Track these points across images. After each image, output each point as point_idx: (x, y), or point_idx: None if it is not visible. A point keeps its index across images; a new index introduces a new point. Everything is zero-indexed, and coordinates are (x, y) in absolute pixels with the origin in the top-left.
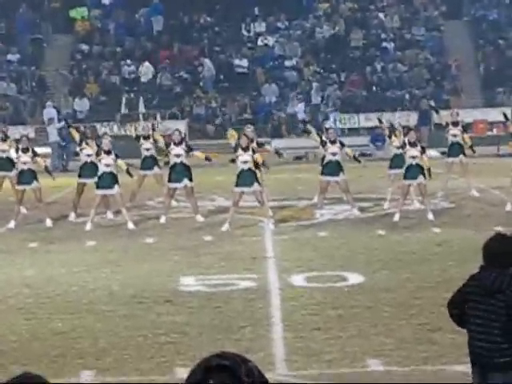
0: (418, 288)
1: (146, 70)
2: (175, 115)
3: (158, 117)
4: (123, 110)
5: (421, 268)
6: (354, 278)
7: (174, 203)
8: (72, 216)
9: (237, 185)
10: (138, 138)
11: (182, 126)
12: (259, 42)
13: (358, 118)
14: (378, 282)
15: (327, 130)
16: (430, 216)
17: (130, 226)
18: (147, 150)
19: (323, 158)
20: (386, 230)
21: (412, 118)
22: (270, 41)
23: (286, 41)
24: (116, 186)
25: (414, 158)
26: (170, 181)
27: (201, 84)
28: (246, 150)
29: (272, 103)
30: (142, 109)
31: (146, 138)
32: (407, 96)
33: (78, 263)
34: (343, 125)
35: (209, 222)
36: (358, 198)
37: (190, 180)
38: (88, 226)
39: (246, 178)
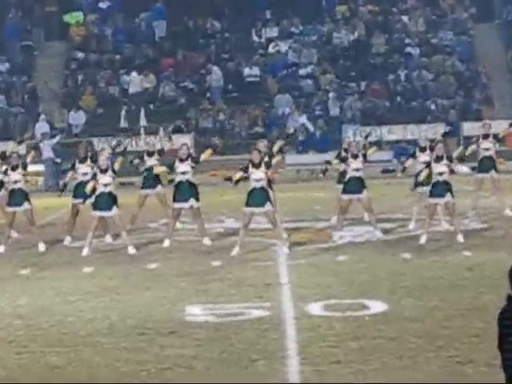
0: (447, 317)
1: (148, 79)
2: (180, 129)
3: (161, 130)
4: (122, 124)
5: (450, 295)
6: (377, 306)
7: (178, 225)
8: (67, 240)
9: (247, 205)
10: (141, 154)
11: (187, 140)
12: (271, 49)
13: (380, 130)
14: (403, 311)
15: (349, 144)
16: (460, 238)
17: (131, 250)
18: (150, 168)
19: (342, 174)
20: (411, 253)
21: (439, 131)
22: (283, 47)
23: (300, 47)
24: (115, 208)
25: (441, 174)
26: (174, 201)
27: (207, 94)
28: (258, 166)
29: (285, 115)
30: (143, 122)
31: (150, 154)
32: (434, 106)
33: (74, 291)
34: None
35: (217, 245)
36: (380, 218)
37: (197, 200)
38: (85, 251)
39: (258, 197)
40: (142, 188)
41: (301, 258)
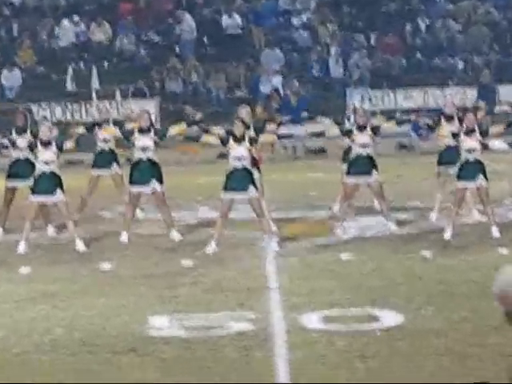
0: (477, 331)
1: (101, 30)
2: (141, 92)
3: (118, 94)
4: (69, 86)
5: (481, 304)
6: (390, 318)
7: (138, 214)
8: None
9: (226, 189)
10: (92, 125)
11: (150, 106)
12: None
13: (395, 95)
14: (423, 323)
15: (355, 111)
16: (495, 231)
17: (79, 246)
18: (104, 141)
19: (347, 152)
20: (433, 251)
21: (469, 96)
22: None
23: None
24: (59, 191)
25: (471, 151)
26: (132, 183)
27: (176, 49)
28: (240, 141)
29: (274, 75)
30: (95, 83)
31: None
32: (462, 65)
33: (7, 297)
34: (374, 106)
35: (188, 240)
36: (394, 207)
37: (161, 182)
38: (21, 247)
39: (239, 180)
40: (94, 167)
41: (294, 256)
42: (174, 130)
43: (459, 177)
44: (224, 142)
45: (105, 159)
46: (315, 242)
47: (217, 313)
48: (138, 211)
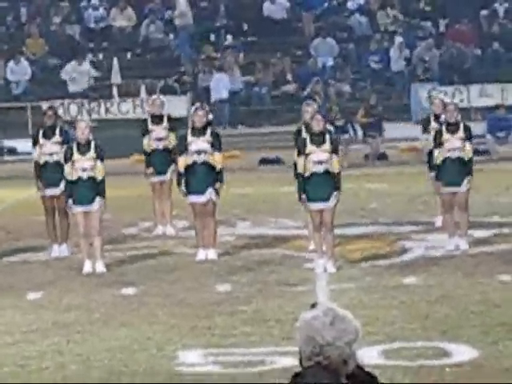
0: None
1: (124, 15)
2: (171, 88)
3: (143, 91)
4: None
5: None
6: (462, 353)
7: (168, 230)
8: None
9: (309, 199)
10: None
11: (180, 105)
12: None
13: (468, 92)
14: (501, 360)
15: (445, 106)
16: None
17: (99, 267)
18: (159, 140)
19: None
20: None
21: None
22: None
23: None
24: (98, 199)
25: None
26: (190, 193)
27: (211, 37)
28: (319, 143)
29: (327, 68)
30: (116, 78)
31: (157, 119)
32: None
33: (13, 328)
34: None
35: (226, 261)
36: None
37: (217, 192)
38: (87, 267)
39: (322, 187)
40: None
41: (349, 280)
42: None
43: None
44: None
45: (162, 162)
46: (374, 263)
47: (258, 347)
48: (168, 227)
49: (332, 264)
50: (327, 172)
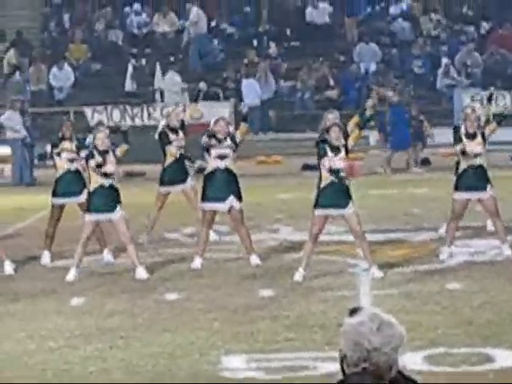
0: None
1: (166, 20)
2: (213, 94)
3: (186, 96)
4: (129, 86)
5: None
6: (506, 358)
7: (212, 236)
8: (45, 257)
9: (319, 205)
10: (162, 132)
11: (223, 111)
12: None
13: (511, 97)
14: None
15: (466, 116)
16: None
17: (141, 273)
18: (178, 148)
19: (458, 164)
20: None
21: None
22: None
23: None
24: (118, 208)
25: None
26: (205, 200)
27: (254, 42)
28: (337, 150)
29: (371, 74)
30: (159, 83)
31: (175, 130)
32: None
33: (56, 334)
34: (487, 110)
35: (269, 266)
36: (510, 227)
37: (239, 198)
38: (71, 274)
39: (335, 194)
40: (163, 183)
41: (392, 285)
42: (240, 132)
43: None
44: (321, 154)
45: (177, 172)
46: (417, 268)
47: (301, 352)
48: (211, 233)
49: (377, 269)
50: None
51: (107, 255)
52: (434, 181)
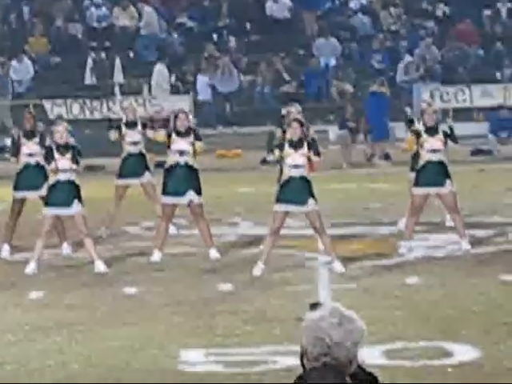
0: None
1: (126, 13)
2: (173, 87)
3: (145, 89)
4: (88, 79)
5: None
6: (464, 353)
7: (171, 230)
8: (4, 250)
9: (280, 200)
10: (117, 125)
11: (183, 104)
12: None
13: (471, 92)
14: (503, 360)
15: (423, 110)
16: None
17: (100, 267)
18: (134, 144)
19: (416, 157)
20: None
21: None
22: None
23: None
24: (76, 202)
25: None
26: (166, 193)
27: (214, 37)
28: (297, 145)
29: (330, 68)
30: (118, 77)
31: (131, 124)
32: None
33: (15, 327)
34: (446, 104)
35: (228, 260)
36: (469, 222)
37: (199, 193)
38: (31, 268)
39: (297, 190)
40: (120, 176)
41: (351, 280)
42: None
43: None
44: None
45: (134, 166)
46: (377, 263)
47: (260, 346)
48: (170, 226)
49: (338, 263)
50: (302, 177)
51: (66, 249)
52: (394, 175)
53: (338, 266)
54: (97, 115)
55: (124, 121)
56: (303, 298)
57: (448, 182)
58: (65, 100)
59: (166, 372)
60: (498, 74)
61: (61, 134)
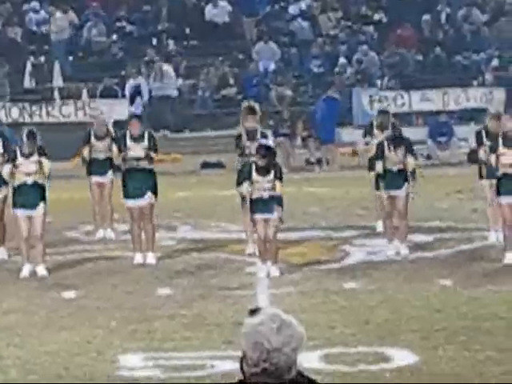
0: (507, 373)
1: (65, 18)
2: (112, 91)
3: (85, 94)
4: (27, 83)
5: (509, 342)
6: (402, 358)
7: (108, 233)
8: None
9: (253, 211)
10: (88, 133)
11: (122, 108)
12: None
13: (410, 97)
14: (441, 364)
15: (381, 113)
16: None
17: (43, 271)
18: (100, 151)
19: (372, 160)
20: (453, 279)
21: (497, 98)
22: None
23: None
24: (41, 205)
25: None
26: (127, 196)
27: (153, 41)
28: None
29: (269, 73)
30: (58, 81)
31: (100, 137)
32: (487, 62)
33: None
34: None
35: (167, 264)
36: (408, 227)
37: (155, 193)
38: (25, 271)
39: (264, 201)
40: (91, 174)
41: (290, 284)
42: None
43: (498, 192)
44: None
45: (101, 166)
46: (315, 267)
47: (198, 351)
48: (108, 230)
49: (276, 268)
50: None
51: (2, 253)
52: (332, 179)
53: (274, 271)
54: (36, 119)
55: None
56: (242, 303)
57: (405, 185)
58: (4, 104)
59: (105, 377)
60: (437, 79)
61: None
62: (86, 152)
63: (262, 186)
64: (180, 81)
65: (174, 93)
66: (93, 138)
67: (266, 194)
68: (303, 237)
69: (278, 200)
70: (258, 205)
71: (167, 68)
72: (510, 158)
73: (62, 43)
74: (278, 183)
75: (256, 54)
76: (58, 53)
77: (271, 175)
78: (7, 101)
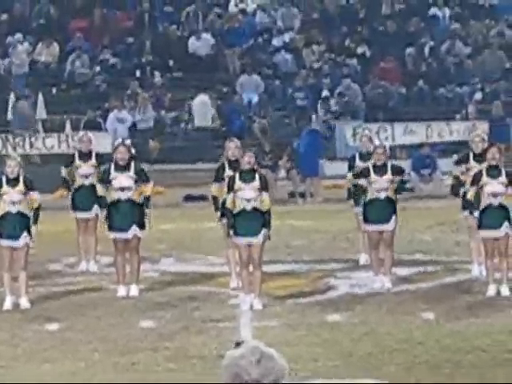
0: None
1: (49, 50)
2: (96, 124)
3: (68, 126)
4: (11, 116)
5: (492, 374)
6: None
7: (91, 266)
8: None
9: (237, 233)
10: (72, 158)
11: (105, 141)
12: (232, 7)
13: (393, 130)
14: None
15: (375, 150)
16: (505, 291)
17: (23, 302)
18: (85, 177)
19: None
20: (436, 312)
21: (480, 131)
22: (250, 5)
23: (275, 5)
24: (24, 235)
25: (495, 195)
26: (112, 229)
27: (137, 73)
28: (250, 178)
29: (253, 105)
30: (41, 113)
31: (85, 156)
32: (471, 95)
33: None
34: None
35: (150, 297)
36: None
37: (142, 227)
38: (8, 303)
39: (250, 223)
40: (73, 208)
41: (273, 317)
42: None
43: (480, 224)
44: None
45: (88, 198)
46: (298, 300)
47: (181, 383)
48: (91, 263)
49: (259, 301)
50: (256, 209)
51: None
52: (316, 212)
53: (257, 303)
54: (19, 151)
55: (76, 152)
56: (224, 335)
57: (393, 218)
58: None
59: None
60: (421, 112)
61: (12, 168)
62: (64, 171)
63: (245, 194)
64: (163, 113)
65: (150, 124)
66: (77, 159)
67: (249, 206)
68: (287, 270)
69: (264, 218)
70: (240, 222)
71: (148, 100)
72: (493, 187)
73: (21, 77)
74: (265, 196)
75: (239, 87)
76: (17, 86)
77: (256, 182)
78: None
